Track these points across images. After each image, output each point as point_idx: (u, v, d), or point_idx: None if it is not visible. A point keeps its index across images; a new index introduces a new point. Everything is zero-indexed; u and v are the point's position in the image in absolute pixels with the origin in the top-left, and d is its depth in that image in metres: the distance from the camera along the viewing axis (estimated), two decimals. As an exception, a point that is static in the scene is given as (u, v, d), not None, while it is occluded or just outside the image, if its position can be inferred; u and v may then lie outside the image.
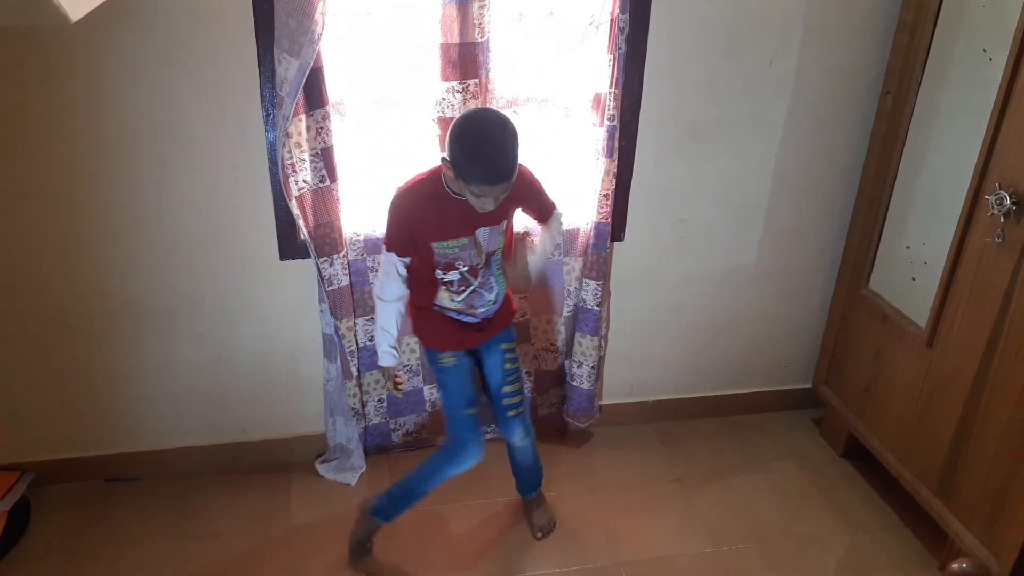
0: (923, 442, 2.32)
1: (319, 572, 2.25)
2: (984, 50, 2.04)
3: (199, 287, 2.35)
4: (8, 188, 2.13)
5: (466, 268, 1.97)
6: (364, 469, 2.61)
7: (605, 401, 2.84)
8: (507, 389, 2.17)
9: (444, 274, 1.98)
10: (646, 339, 2.76)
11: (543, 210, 2.11)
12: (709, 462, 2.74)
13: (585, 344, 2.62)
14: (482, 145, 1.74)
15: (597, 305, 2.55)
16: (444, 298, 2.03)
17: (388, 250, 1.99)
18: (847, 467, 2.72)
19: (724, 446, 2.82)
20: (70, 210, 2.18)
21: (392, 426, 2.67)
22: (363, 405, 2.58)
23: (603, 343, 2.68)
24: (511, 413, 2.20)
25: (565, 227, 2.49)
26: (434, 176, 1.90)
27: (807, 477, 2.68)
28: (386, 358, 2.10)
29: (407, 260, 2.00)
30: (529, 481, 2.41)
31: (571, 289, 2.58)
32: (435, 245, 1.92)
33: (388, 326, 2.06)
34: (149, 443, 2.54)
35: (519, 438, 2.25)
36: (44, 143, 2.09)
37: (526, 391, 2.29)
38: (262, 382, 2.53)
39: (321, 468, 2.61)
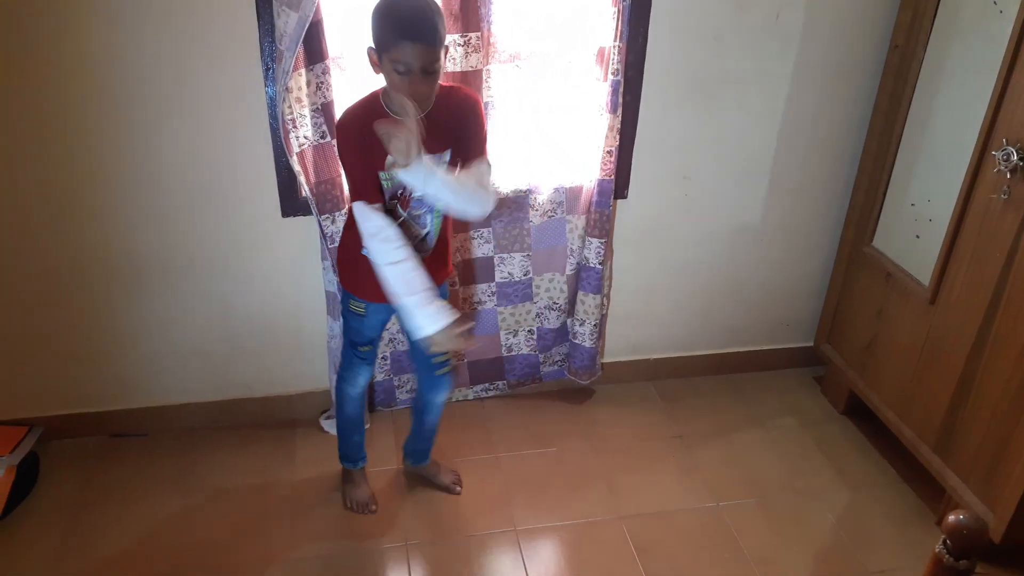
0: (923, 400, 2.33)
1: (324, 526, 2.29)
2: (995, 2, 2.00)
3: (201, 245, 2.35)
4: (8, 149, 2.12)
5: (401, 193, 1.87)
6: (368, 425, 2.64)
7: (607, 359, 2.85)
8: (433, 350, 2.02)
9: (389, 198, 1.88)
10: (648, 297, 2.76)
11: (475, 148, 1.89)
12: (710, 419, 2.76)
13: (588, 302, 2.62)
14: (402, 5, 1.69)
15: (600, 263, 2.55)
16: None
17: (357, 200, 1.80)
18: (847, 424, 2.74)
19: (725, 403, 2.84)
20: (70, 169, 2.17)
21: (396, 383, 2.69)
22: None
23: (605, 301, 2.68)
24: (439, 371, 2.16)
25: (568, 185, 2.48)
26: (371, 98, 1.82)
27: (808, 434, 2.70)
28: (438, 318, 1.83)
29: (378, 207, 1.82)
30: (426, 448, 2.39)
31: (574, 247, 2.57)
32: (382, 176, 1.83)
33: (415, 286, 1.83)
34: (154, 399, 2.57)
35: (443, 395, 2.22)
36: (42, 102, 2.07)
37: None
38: (266, 339, 2.54)
39: (325, 424, 2.63)
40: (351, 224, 1.93)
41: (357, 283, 2.03)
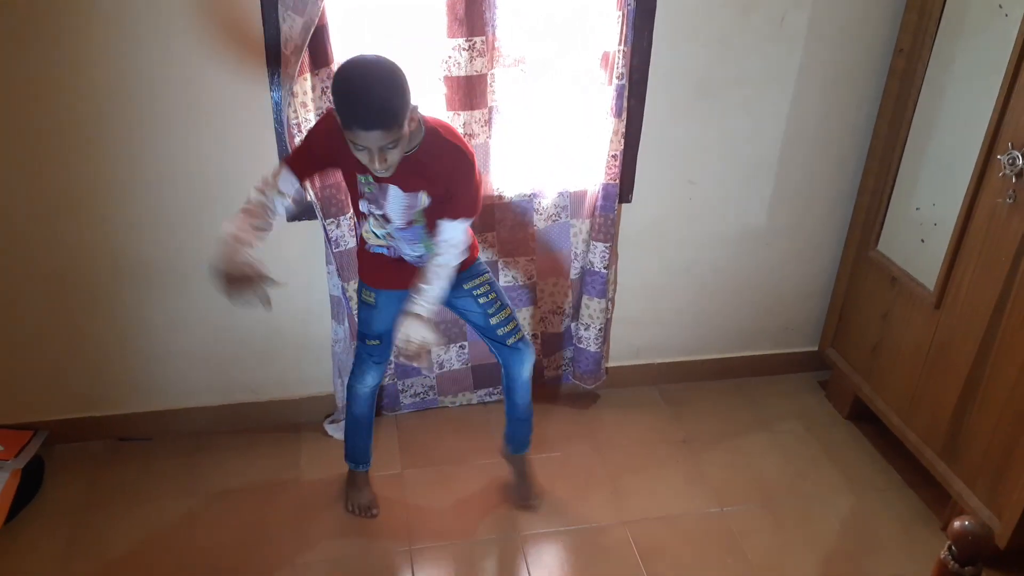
0: (928, 404, 2.32)
1: (328, 530, 2.29)
2: (1000, 6, 2.00)
3: (206, 248, 2.33)
4: (15, 153, 2.12)
5: (380, 213, 1.90)
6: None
7: (612, 363, 2.85)
8: (495, 320, 2.10)
9: (369, 206, 1.92)
10: (653, 301, 2.76)
11: (459, 208, 1.87)
12: (715, 423, 2.75)
13: (592, 307, 2.62)
14: (357, 88, 1.63)
15: (604, 267, 2.55)
16: (368, 233, 1.98)
17: (284, 162, 1.85)
18: (852, 429, 2.73)
19: (730, 408, 2.83)
20: (75, 173, 2.18)
21: (399, 387, 2.69)
22: (371, 366, 2.60)
23: (610, 305, 2.68)
24: (511, 341, 2.12)
25: (572, 189, 2.47)
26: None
27: (813, 438, 2.69)
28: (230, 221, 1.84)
29: (293, 180, 1.85)
30: (524, 433, 2.32)
31: (578, 251, 2.57)
32: (359, 178, 1.86)
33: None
34: (160, 403, 2.57)
35: (529, 365, 2.16)
36: (48, 107, 2.08)
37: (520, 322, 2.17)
38: (271, 343, 2.54)
39: (330, 428, 2.63)
40: (354, 209, 2.00)
41: (368, 271, 2.07)
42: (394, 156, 1.72)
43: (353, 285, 2.38)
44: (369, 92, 1.63)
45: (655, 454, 2.61)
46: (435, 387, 2.72)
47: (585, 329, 2.66)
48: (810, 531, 2.33)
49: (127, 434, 2.59)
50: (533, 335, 2.69)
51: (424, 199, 1.87)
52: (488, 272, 2.14)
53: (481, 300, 2.10)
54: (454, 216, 1.87)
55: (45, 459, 2.46)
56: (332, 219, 2.27)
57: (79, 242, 2.27)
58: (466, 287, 2.09)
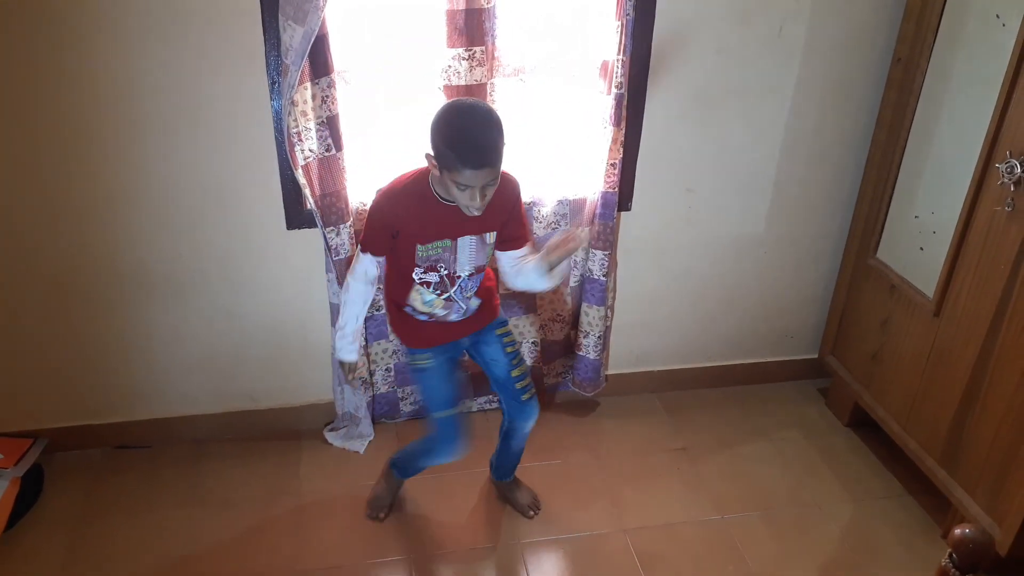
0: (928, 412, 2.32)
1: (328, 538, 2.29)
2: (997, 15, 2.01)
3: (207, 256, 2.36)
4: (16, 161, 2.13)
5: (446, 272, 1.93)
6: (372, 437, 2.64)
7: (611, 371, 2.85)
8: (515, 373, 2.12)
9: (424, 274, 1.93)
10: (653, 309, 2.77)
11: (522, 233, 1.99)
12: (715, 431, 2.75)
13: (592, 314, 2.62)
14: (466, 128, 1.70)
15: (604, 275, 2.55)
16: (416, 299, 1.98)
17: (363, 251, 1.95)
18: (852, 436, 2.73)
19: (730, 415, 2.83)
20: (76, 181, 2.18)
21: (400, 395, 2.69)
22: (371, 374, 2.60)
23: (609, 313, 2.68)
24: (525, 396, 2.14)
25: (572, 197, 2.48)
26: (420, 177, 1.87)
27: (812, 446, 2.69)
28: (347, 353, 2.10)
29: (381, 261, 1.97)
30: (511, 465, 2.36)
31: (577, 259, 2.58)
32: (419, 247, 1.88)
33: (349, 323, 2.05)
34: (159, 411, 2.57)
35: (531, 422, 2.18)
36: (49, 115, 2.09)
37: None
38: (271, 351, 2.54)
39: (330, 436, 2.63)
40: (389, 282, 2.04)
41: (411, 335, 2.07)
42: (490, 193, 1.78)
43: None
44: (482, 134, 1.71)
45: (655, 462, 2.61)
46: (435, 395, 2.72)
47: (584, 337, 2.67)
48: (810, 539, 2.33)
49: (127, 442, 2.59)
50: (533, 343, 2.69)
51: (492, 238, 1.93)
52: (508, 326, 2.18)
53: (508, 349, 2.12)
54: (524, 240, 1.99)
55: (44, 467, 2.45)
56: (332, 227, 2.27)
57: (80, 250, 2.28)
58: (497, 333, 2.12)
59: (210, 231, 2.33)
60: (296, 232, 2.36)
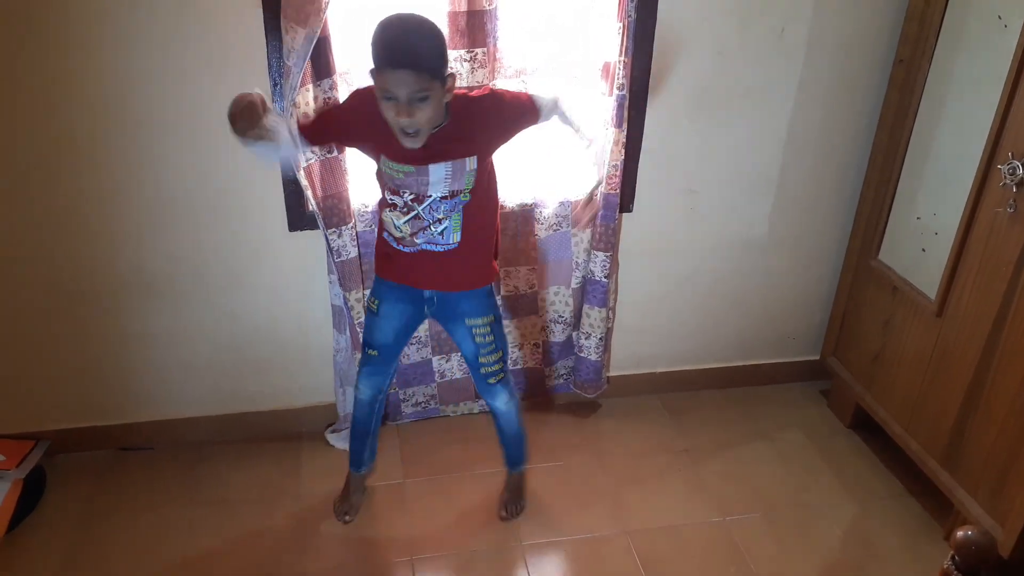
0: (930, 413, 2.32)
1: (329, 540, 2.29)
2: (999, 17, 2.01)
3: (208, 258, 2.36)
4: (17, 164, 2.13)
5: (411, 196, 1.87)
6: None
7: (613, 372, 2.85)
8: (483, 359, 2.11)
9: (391, 196, 1.90)
10: (654, 311, 2.76)
11: (530, 111, 1.94)
12: (716, 433, 2.75)
13: (593, 316, 2.62)
14: (390, 26, 1.67)
15: (605, 277, 2.55)
16: (388, 221, 1.94)
17: (300, 130, 1.88)
18: (854, 438, 2.73)
19: (731, 417, 2.83)
20: (78, 182, 2.19)
21: (401, 396, 2.69)
22: (372, 375, 2.60)
23: (611, 315, 2.68)
24: (492, 380, 2.15)
25: (573, 199, 2.48)
26: None
27: (814, 448, 2.69)
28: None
29: (298, 137, 1.90)
30: (514, 453, 2.36)
31: (579, 261, 2.58)
32: (383, 160, 1.85)
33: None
34: (161, 413, 2.57)
35: (503, 402, 2.20)
36: (51, 116, 2.09)
37: (509, 361, 2.19)
38: (272, 353, 2.55)
39: (331, 437, 2.63)
40: (380, 201, 1.99)
41: (381, 260, 2.06)
42: (422, 115, 1.70)
43: (355, 294, 2.39)
44: (407, 32, 1.66)
45: (656, 463, 2.61)
46: (436, 396, 2.72)
47: (586, 338, 2.67)
48: (812, 541, 2.33)
49: (129, 444, 2.59)
50: (535, 344, 2.69)
51: (473, 163, 1.86)
52: (494, 313, 2.10)
53: (477, 339, 2.09)
54: (534, 112, 1.95)
55: (47, 469, 2.46)
56: (334, 229, 2.27)
57: (81, 253, 2.28)
58: (468, 322, 2.06)
59: (212, 233, 2.33)
60: (298, 234, 2.36)
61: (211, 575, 2.17)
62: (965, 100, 2.15)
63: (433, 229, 1.91)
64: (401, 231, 1.93)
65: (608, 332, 2.69)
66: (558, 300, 2.64)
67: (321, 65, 2.10)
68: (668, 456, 2.64)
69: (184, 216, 2.29)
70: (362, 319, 2.45)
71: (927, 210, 2.31)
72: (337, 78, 2.13)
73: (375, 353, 2.14)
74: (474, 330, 2.07)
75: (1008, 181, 1.97)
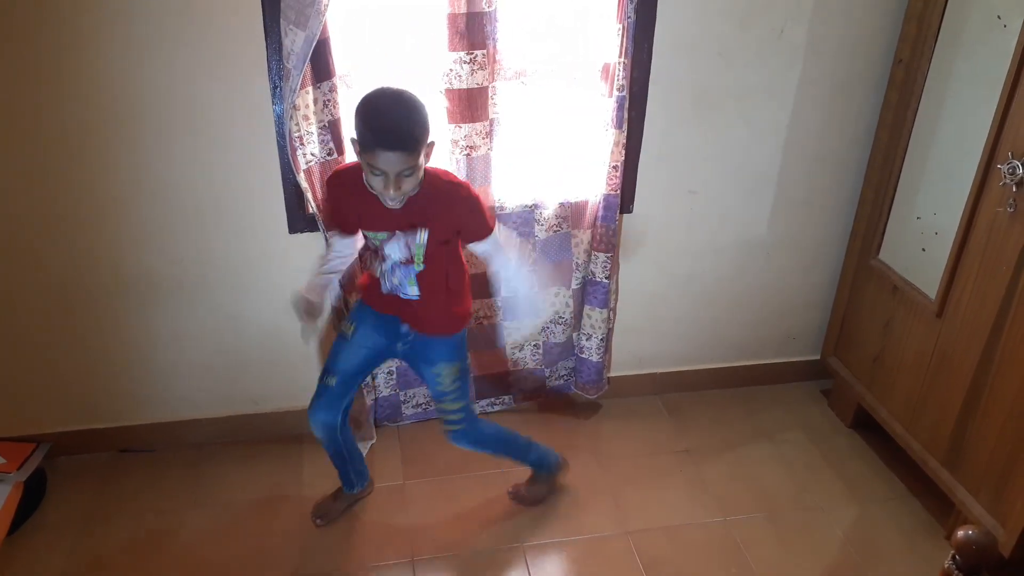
0: (931, 413, 2.32)
1: (331, 541, 2.29)
2: (999, 17, 2.01)
3: (209, 260, 2.36)
4: (19, 165, 2.14)
5: (398, 260, 1.94)
6: (374, 440, 2.64)
7: (614, 373, 2.85)
8: (443, 405, 2.12)
9: (373, 257, 2.00)
10: (655, 311, 2.77)
11: (478, 231, 1.97)
12: (717, 433, 2.75)
13: (594, 317, 2.62)
14: (383, 108, 1.71)
15: (606, 278, 2.55)
16: (373, 266, 2.03)
17: (328, 228, 2.04)
18: (855, 438, 2.73)
19: (732, 417, 2.83)
20: (80, 185, 2.19)
21: (402, 398, 2.69)
22: (373, 377, 2.60)
23: (612, 315, 2.68)
24: (448, 427, 2.15)
25: (573, 200, 2.48)
26: (357, 170, 1.86)
27: (815, 448, 2.69)
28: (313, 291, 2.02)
29: (353, 238, 2.03)
30: (523, 461, 2.37)
31: (579, 262, 2.58)
32: (364, 231, 1.95)
33: (331, 268, 2.07)
34: (162, 415, 2.57)
35: (465, 445, 2.21)
36: (52, 118, 2.09)
37: (471, 407, 2.18)
38: (273, 354, 2.55)
39: (332, 439, 2.63)
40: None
41: (363, 286, 2.11)
42: (408, 185, 1.77)
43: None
44: (395, 115, 1.70)
45: (657, 464, 2.61)
46: (437, 398, 2.72)
47: (587, 339, 2.67)
48: (813, 541, 2.33)
49: (129, 446, 2.59)
50: (535, 345, 2.69)
51: (423, 236, 1.89)
52: (461, 362, 2.11)
53: (438, 387, 2.10)
54: (481, 236, 1.97)
55: (48, 471, 2.46)
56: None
57: (82, 254, 2.28)
58: (432, 370, 2.08)
59: (212, 235, 2.33)
60: (298, 236, 2.37)
61: (212, 577, 2.18)
62: (965, 100, 2.15)
63: (394, 282, 1.98)
64: (380, 275, 2.00)
65: (609, 333, 2.70)
66: (558, 301, 2.64)
67: (321, 67, 2.10)
68: (669, 456, 2.64)
69: (184, 218, 2.29)
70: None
71: (927, 210, 2.31)
72: (337, 80, 2.14)
73: (333, 381, 2.10)
74: (438, 377, 2.08)
75: (1008, 180, 1.97)
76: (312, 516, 2.34)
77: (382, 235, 1.91)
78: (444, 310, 2.05)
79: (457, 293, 2.06)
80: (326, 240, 2.14)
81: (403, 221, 1.88)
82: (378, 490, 2.45)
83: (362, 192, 1.84)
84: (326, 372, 2.12)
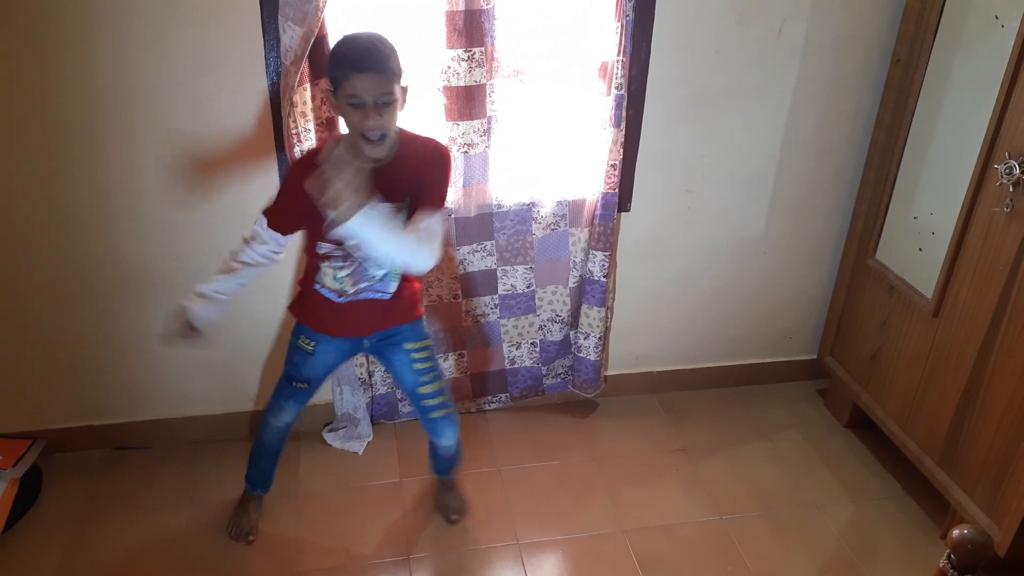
0: (927, 412, 2.32)
1: (327, 539, 2.28)
2: (996, 16, 2.01)
3: (206, 258, 2.35)
4: (15, 162, 2.13)
5: (352, 243, 1.80)
6: (371, 438, 2.64)
7: (611, 372, 2.85)
8: (423, 390, 2.07)
9: (329, 248, 1.86)
10: (652, 310, 2.77)
11: (428, 199, 1.83)
12: (714, 432, 2.75)
13: (591, 315, 2.62)
14: (351, 39, 1.72)
15: (603, 276, 2.55)
16: (326, 275, 1.91)
17: (268, 223, 1.87)
18: (851, 437, 2.74)
19: (729, 416, 2.84)
20: (77, 181, 2.18)
21: (398, 395, 2.69)
22: (370, 375, 2.60)
23: (609, 314, 2.68)
24: (434, 414, 2.10)
25: (571, 198, 2.48)
26: (329, 143, 1.82)
27: (812, 447, 2.69)
28: (199, 304, 1.88)
29: (282, 240, 1.91)
30: (445, 467, 2.32)
31: (577, 260, 2.58)
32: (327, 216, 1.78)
33: (219, 279, 1.91)
34: (158, 412, 2.57)
35: (448, 439, 2.16)
36: (50, 116, 2.09)
37: (448, 390, 2.14)
38: (269, 352, 2.54)
39: (329, 437, 2.63)
40: (307, 251, 1.94)
41: (313, 316, 2.00)
42: (388, 118, 1.72)
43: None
44: (366, 41, 1.70)
45: (654, 463, 2.61)
46: (434, 396, 2.72)
47: (584, 338, 2.67)
48: (809, 540, 2.33)
49: (126, 443, 2.59)
50: (532, 343, 2.69)
51: (407, 204, 1.84)
52: (430, 338, 2.09)
53: (417, 366, 2.05)
54: (432, 207, 1.83)
55: (43, 468, 2.45)
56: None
57: (79, 251, 2.28)
58: (406, 347, 2.03)
59: (209, 233, 2.32)
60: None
61: (208, 575, 2.17)
62: (962, 100, 2.16)
63: (375, 275, 1.91)
64: (341, 283, 1.91)
65: (606, 331, 2.70)
66: (556, 299, 2.64)
67: (318, 64, 2.10)
68: (665, 455, 2.64)
69: (182, 216, 2.29)
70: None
71: (924, 210, 2.32)
72: (335, 77, 2.13)
73: (305, 386, 2.09)
74: (413, 354, 2.04)
75: (1005, 181, 1.97)
76: (238, 538, 2.25)
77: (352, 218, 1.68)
78: (411, 296, 2.00)
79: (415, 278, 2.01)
80: (253, 234, 1.91)
81: (379, 188, 1.75)
82: (375, 488, 2.45)
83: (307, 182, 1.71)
84: (294, 379, 2.07)
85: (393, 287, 1.95)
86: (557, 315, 2.67)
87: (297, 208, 1.82)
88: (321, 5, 1.95)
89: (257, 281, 2.39)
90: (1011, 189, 1.96)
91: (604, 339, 2.69)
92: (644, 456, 2.64)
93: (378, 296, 1.95)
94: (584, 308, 2.63)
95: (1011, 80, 1.94)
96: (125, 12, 2.01)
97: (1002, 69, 1.97)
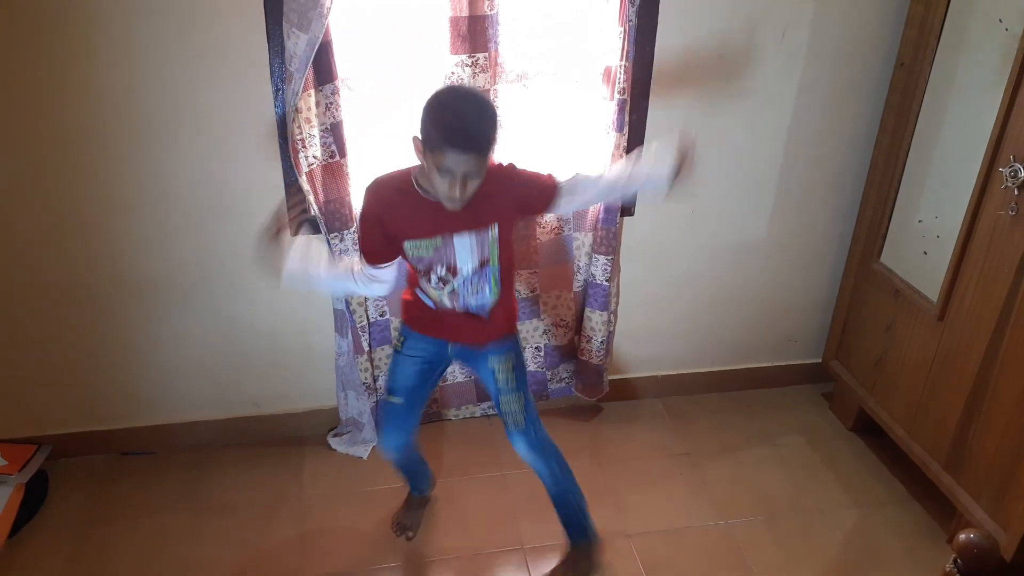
0: (933, 416, 2.32)
1: (331, 544, 2.29)
2: (1000, 20, 2.01)
3: (210, 263, 2.37)
4: (20, 168, 2.14)
5: (444, 269, 1.85)
6: (376, 443, 2.64)
7: (614, 376, 2.84)
8: (503, 405, 2.03)
9: (423, 279, 1.89)
10: (655, 314, 2.76)
11: (545, 192, 1.90)
12: (718, 436, 2.75)
13: (595, 319, 2.62)
14: (458, 109, 1.65)
15: (607, 280, 2.55)
16: (427, 288, 1.92)
17: (362, 257, 1.87)
18: (856, 441, 2.73)
19: (733, 420, 2.83)
20: (81, 187, 2.19)
21: (403, 400, 2.68)
22: (374, 380, 2.60)
23: (612, 318, 2.68)
24: (510, 427, 2.04)
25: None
26: (404, 172, 1.81)
27: (816, 451, 2.68)
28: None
29: (386, 268, 1.88)
30: (565, 519, 2.13)
31: (580, 264, 2.58)
32: (408, 244, 1.82)
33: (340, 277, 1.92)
34: (163, 417, 2.57)
35: (524, 451, 2.07)
36: (54, 120, 2.10)
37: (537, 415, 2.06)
38: (274, 357, 2.55)
39: (333, 442, 2.63)
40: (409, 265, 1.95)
41: (409, 311, 2.02)
42: (472, 187, 1.69)
43: (357, 299, 2.39)
44: (469, 114, 1.65)
45: (658, 467, 2.61)
46: (439, 400, 2.72)
47: (587, 342, 2.67)
48: (814, 544, 2.32)
49: (130, 448, 2.59)
50: (536, 348, 2.69)
51: (495, 231, 1.84)
52: (516, 353, 2.03)
53: (499, 384, 2.01)
54: (552, 193, 1.90)
55: (49, 473, 2.46)
56: (336, 233, 2.28)
57: (83, 256, 2.28)
58: (490, 366, 2.00)
59: (213, 237, 2.33)
60: (299, 239, 2.36)
61: (213, 579, 2.18)
62: (966, 103, 2.15)
63: (471, 302, 1.91)
64: (440, 297, 1.91)
65: (610, 335, 2.69)
66: (560, 303, 2.64)
67: (323, 70, 2.10)
68: (669, 459, 2.64)
69: (187, 221, 2.29)
70: (364, 322, 2.45)
71: (929, 213, 2.31)
72: (339, 83, 2.14)
73: (399, 400, 2.04)
74: (496, 373, 2.01)
75: (1009, 184, 1.97)
76: (398, 534, 2.30)
77: (436, 241, 1.80)
78: (506, 314, 1.99)
79: (514, 290, 2.02)
80: (370, 278, 1.89)
81: (458, 222, 1.78)
82: (379, 492, 2.45)
83: (409, 199, 1.77)
84: (389, 391, 2.06)
85: (491, 302, 1.93)
86: (561, 319, 2.67)
87: (380, 236, 1.83)
88: (325, 11, 1.96)
89: (262, 288, 2.42)
90: (1016, 192, 1.96)
91: (607, 343, 2.69)
92: (648, 460, 2.63)
93: (475, 313, 1.94)
94: (587, 312, 2.63)
95: (1015, 83, 1.94)
96: (128, 17, 2.01)
97: (1006, 72, 1.96)
